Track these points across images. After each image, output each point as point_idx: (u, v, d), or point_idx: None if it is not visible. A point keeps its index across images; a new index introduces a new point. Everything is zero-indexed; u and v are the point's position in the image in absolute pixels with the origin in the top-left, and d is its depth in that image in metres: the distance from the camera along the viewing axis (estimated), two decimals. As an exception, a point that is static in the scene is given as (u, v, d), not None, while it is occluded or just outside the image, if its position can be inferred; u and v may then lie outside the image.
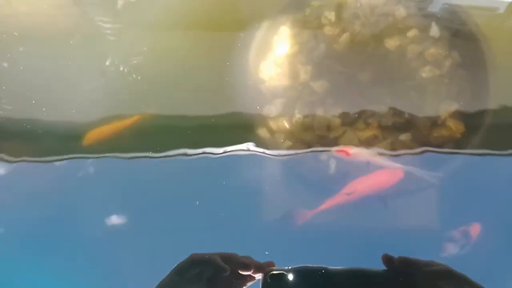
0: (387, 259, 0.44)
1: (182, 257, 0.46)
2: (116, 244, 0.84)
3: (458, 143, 0.83)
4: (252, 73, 0.91)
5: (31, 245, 0.84)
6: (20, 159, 0.89)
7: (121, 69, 0.94)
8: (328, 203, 0.81)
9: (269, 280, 0.43)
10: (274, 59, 0.92)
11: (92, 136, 0.89)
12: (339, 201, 0.81)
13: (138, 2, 0.99)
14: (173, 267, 0.45)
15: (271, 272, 0.43)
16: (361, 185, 0.82)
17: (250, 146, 0.86)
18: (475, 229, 0.80)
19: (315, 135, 0.87)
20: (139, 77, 0.93)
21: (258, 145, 0.86)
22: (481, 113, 0.85)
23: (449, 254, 0.79)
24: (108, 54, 0.95)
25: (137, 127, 0.89)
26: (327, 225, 0.81)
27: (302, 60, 0.91)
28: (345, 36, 0.90)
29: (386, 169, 0.83)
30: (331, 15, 0.91)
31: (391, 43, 0.89)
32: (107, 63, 0.94)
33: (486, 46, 0.86)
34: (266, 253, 0.78)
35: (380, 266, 0.44)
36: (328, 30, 0.91)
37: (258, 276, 0.45)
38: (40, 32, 0.97)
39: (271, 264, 0.45)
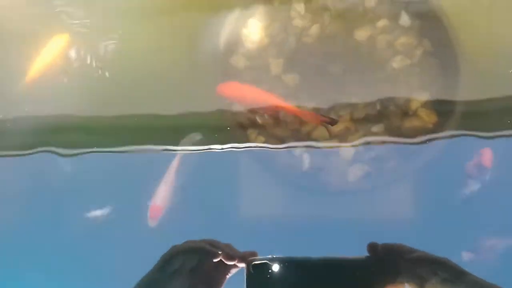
0: (371, 246, 0.44)
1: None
2: (96, 238, 0.83)
3: (431, 133, 0.83)
4: (222, 68, 0.89)
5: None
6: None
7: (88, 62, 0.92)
8: None
9: (252, 270, 0.43)
10: (243, 52, 0.90)
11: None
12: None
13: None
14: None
15: (254, 262, 0.43)
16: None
17: (222, 143, 0.85)
18: (487, 156, 0.80)
19: (288, 130, 0.86)
20: (106, 73, 0.91)
21: (229, 141, 0.85)
22: (453, 102, 0.85)
23: (471, 191, 0.78)
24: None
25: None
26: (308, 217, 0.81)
27: (273, 53, 0.90)
28: (315, 28, 0.89)
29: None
30: (300, 7, 0.90)
31: (361, 34, 0.88)
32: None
33: (455, 33, 0.85)
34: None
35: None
36: (297, 22, 0.89)
37: (241, 265, 0.45)
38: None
39: (253, 253, 0.45)
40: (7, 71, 0.94)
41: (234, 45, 0.90)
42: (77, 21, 0.94)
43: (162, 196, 0.83)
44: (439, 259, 0.42)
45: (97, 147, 0.86)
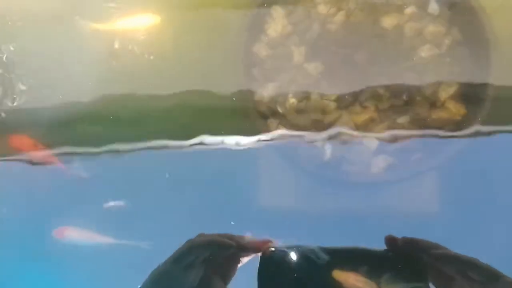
0: (390, 239, 0.43)
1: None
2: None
3: (459, 125, 0.80)
4: (244, 57, 0.88)
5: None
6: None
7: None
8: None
9: (267, 257, 0.43)
10: (266, 40, 0.88)
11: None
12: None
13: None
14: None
15: (270, 250, 0.43)
16: None
17: (242, 133, 0.84)
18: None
19: (309, 119, 0.84)
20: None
21: (250, 131, 0.84)
22: (483, 94, 0.81)
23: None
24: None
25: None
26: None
27: (295, 41, 0.88)
28: (340, 15, 0.86)
29: None
30: (324, -7, 0.87)
31: (388, 21, 0.85)
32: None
33: (487, 21, 0.82)
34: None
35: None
36: (322, 9, 0.87)
37: (255, 254, 0.44)
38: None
39: (268, 241, 0.44)
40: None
41: (256, 33, 0.89)
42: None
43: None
44: (468, 258, 0.40)
45: (116, 140, 0.86)
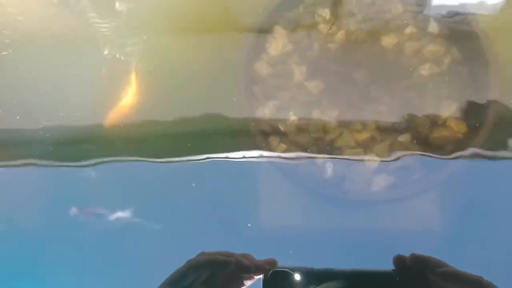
0: (398, 259, 0.42)
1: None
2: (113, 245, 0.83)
3: (460, 143, 0.80)
4: (245, 75, 0.88)
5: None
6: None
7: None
8: None
9: (270, 279, 0.42)
10: (267, 59, 0.89)
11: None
12: None
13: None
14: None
15: (273, 270, 0.42)
16: None
17: (243, 150, 0.84)
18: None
19: (310, 137, 0.84)
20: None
21: (251, 148, 0.84)
22: (484, 112, 0.81)
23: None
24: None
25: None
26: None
27: (296, 60, 0.88)
28: (340, 34, 0.87)
29: None
30: (325, 12, 0.88)
31: (388, 40, 0.86)
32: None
33: (486, 41, 0.82)
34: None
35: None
36: (322, 28, 0.88)
37: (258, 277, 0.43)
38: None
39: (272, 262, 0.43)
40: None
41: (257, 51, 0.89)
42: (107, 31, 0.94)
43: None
44: (472, 276, 0.39)
45: (120, 155, 0.86)
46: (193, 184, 0.83)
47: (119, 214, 0.83)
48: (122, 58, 0.92)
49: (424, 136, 0.81)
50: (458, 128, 0.81)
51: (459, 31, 0.86)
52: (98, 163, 0.86)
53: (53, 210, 0.86)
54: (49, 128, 0.89)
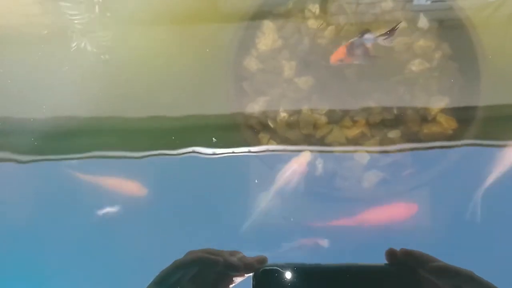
0: (390, 253, 0.41)
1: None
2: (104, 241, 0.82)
3: (450, 139, 0.80)
4: (234, 71, 0.87)
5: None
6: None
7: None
8: (339, 222, 0.78)
9: (260, 277, 0.41)
10: (257, 55, 0.88)
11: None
12: (349, 223, 0.78)
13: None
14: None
15: (263, 268, 0.41)
16: (375, 215, 0.79)
17: (233, 146, 0.83)
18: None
19: (300, 133, 0.83)
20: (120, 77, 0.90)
21: (241, 145, 0.83)
22: (473, 107, 0.81)
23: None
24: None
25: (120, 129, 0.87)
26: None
27: (286, 56, 0.87)
28: (330, 30, 0.86)
29: (402, 203, 0.80)
30: (315, 8, 0.87)
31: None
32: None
33: (476, 36, 0.82)
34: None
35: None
36: (312, 23, 0.87)
37: (247, 274, 0.42)
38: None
39: (262, 259, 0.42)
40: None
41: (247, 47, 0.88)
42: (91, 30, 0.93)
43: None
44: (463, 271, 0.39)
45: (107, 150, 0.85)
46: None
47: (108, 209, 0.82)
48: (95, 50, 0.90)
49: (414, 132, 0.81)
50: (449, 124, 0.81)
51: (449, 26, 0.86)
52: (82, 157, 0.85)
53: (37, 205, 0.84)
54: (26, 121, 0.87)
